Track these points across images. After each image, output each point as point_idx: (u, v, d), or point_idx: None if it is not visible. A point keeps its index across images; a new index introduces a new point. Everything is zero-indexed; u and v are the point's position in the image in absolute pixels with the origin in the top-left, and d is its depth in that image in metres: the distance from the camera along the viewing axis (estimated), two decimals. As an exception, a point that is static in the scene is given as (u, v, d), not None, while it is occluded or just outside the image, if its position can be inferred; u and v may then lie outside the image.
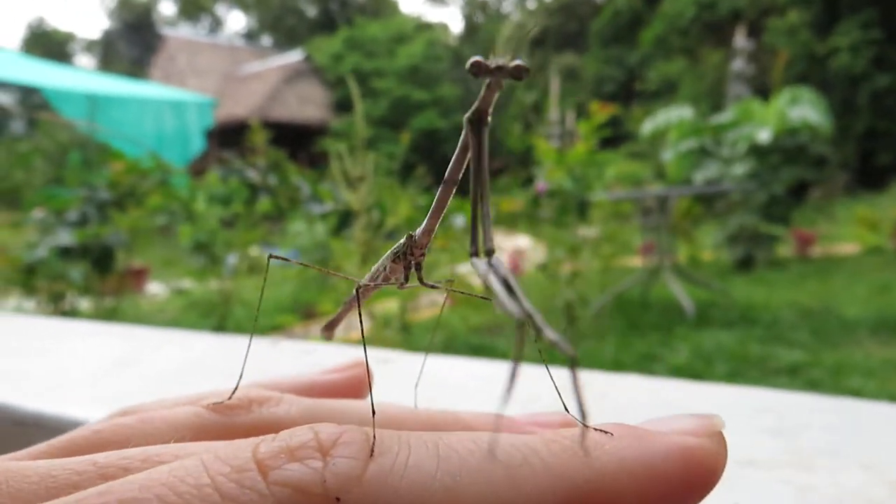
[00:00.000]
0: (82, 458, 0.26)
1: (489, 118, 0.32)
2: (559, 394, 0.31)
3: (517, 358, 0.23)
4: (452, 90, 22.30)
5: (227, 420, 0.31)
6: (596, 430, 0.26)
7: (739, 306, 4.72)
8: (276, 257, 0.39)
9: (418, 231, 0.36)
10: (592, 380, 0.66)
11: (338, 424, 0.26)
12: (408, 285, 0.38)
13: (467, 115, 0.32)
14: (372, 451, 0.24)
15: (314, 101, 20.70)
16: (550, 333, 0.24)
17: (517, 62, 0.30)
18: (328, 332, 0.42)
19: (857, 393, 2.82)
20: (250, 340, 0.45)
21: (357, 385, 0.39)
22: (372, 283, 0.39)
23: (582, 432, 0.25)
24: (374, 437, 0.25)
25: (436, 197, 0.33)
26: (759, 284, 5.75)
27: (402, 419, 0.33)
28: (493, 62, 0.30)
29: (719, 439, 0.26)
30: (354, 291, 0.38)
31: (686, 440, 0.25)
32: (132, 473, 0.24)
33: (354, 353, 1.01)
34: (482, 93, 0.31)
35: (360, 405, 0.34)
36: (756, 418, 0.52)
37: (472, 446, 0.24)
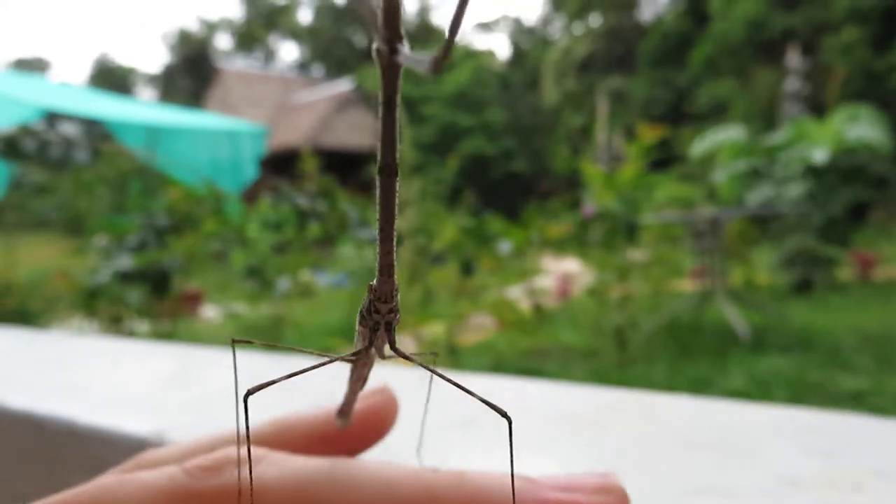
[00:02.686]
0: None
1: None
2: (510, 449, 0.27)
3: None
4: (499, 115, 22.41)
5: (196, 484, 0.30)
6: None
7: (797, 331, 4.56)
8: (239, 340, 0.33)
9: (376, 279, 0.27)
10: (637, 399, 0.66)
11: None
12: (380, 355, 0.30)
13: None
14: None
15: (364, 129, 21.07)
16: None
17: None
18: (343, 418, 0.36)
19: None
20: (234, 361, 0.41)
21: (379, 416, 0.35)
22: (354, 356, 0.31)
23: None
24: None
25: (377, 203, 0.25)
26: (818, 308, 5.56)
27: (399, 483, 0.29)
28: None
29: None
30: (350, 370, 0.32)
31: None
32: None
33: (402, 373, 1.02)
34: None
35: (353, 469, 0.30)
36: (800, 438, 0.50)
37: None
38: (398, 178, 0.25)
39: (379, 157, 0.24)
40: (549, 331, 4.70)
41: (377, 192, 0.25)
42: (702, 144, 7.58)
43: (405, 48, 0.23)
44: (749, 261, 6.56)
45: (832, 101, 9.65)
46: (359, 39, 34.76)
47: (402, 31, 0.23)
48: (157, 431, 0.58)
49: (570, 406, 0.67)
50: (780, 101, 10.93)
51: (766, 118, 15.65)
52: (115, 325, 4.29)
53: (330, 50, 34.09)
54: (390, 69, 0.24)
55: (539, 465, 0.51)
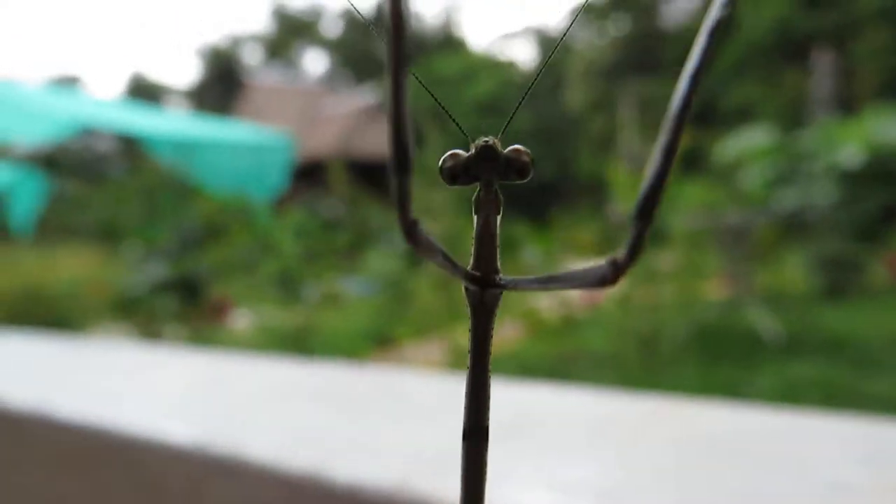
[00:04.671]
0: None
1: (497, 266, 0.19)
2: None
3: None
4: (524, 122, 22.40)
5: None
6: None
7: (829, 336, 4.47)
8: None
9: None
10: (675, 406, 0.65)
11: None
12: None
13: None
14: None
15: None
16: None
17: (516, 147, 0.20)
18: None
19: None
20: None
21: None
22: None
23: None
24: None
25: (461, 475, 0.20)
26: (850, 313, 5.44)
27: None
28: (476, 153, 0.19)
29: None
30: None
31: None
32: None
33: (439, 383, 1.02)
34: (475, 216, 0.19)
35: None
36: (847, 446, 0.50)
37: None
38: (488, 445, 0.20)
39: (465, 421, 0.19)
40: (576, 337, 4.67)
41: (462, 460, 0.20)
42: (730, 147, 7.49)
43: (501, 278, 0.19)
44: (779, 265, 6.47)
45: (862, 103, 9.49)
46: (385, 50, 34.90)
47: (498, 260, 0.19)
48: (200, 439, 0.59)
49: (606, 412, 0.66)
50: (808, 102, 10.78)
51: (795, 119, 15.40)
52: (148, 332, 4.36)
53: (357, 60, 34.37)
54: (482, 307, 0.19)
55: (577, 473, 0.50)
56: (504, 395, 0.78)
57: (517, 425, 0.65)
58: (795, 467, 0.47)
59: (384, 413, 0.68)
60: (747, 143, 7.31)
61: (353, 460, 0.50)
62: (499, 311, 0.20)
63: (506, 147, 0.20)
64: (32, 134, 5.27)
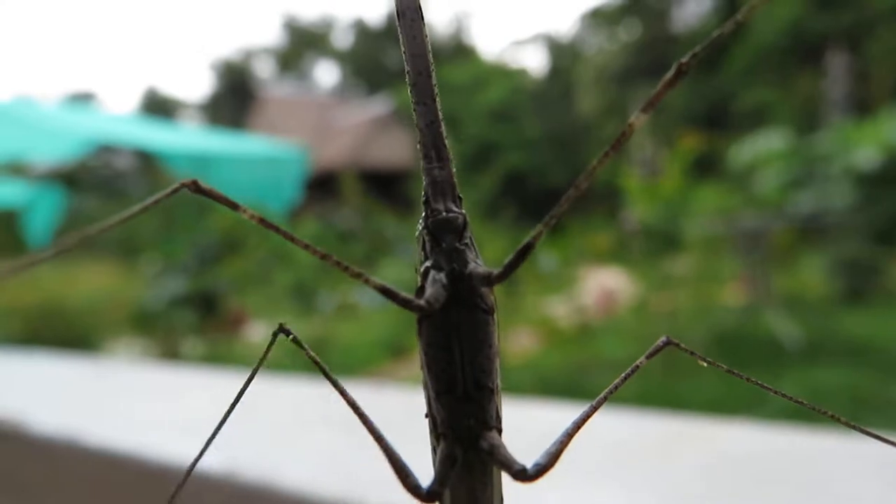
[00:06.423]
0: None
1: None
2: None
3: None
4: (535, 129, 22.39)
5: None
6: None
7: (851, 340, 4.42)
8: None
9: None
10: (698, 427, 0.65)
11: None
12: None
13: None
14: None
15: (405, 146, 21.30)
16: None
17: None
18: None
19: None
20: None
21: None
22: None
23: None
24: None
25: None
26: (871, 317, 5.37)
27: None
28: None
29: None
30: None
31: None
32: None
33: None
34: None
35: None
36: (880, 471, 0.49)
37: None
38: None
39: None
40: (592, 345, 4.64)
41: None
42: (744, 151, 7.44)
43: None
44: (796, 269, 6.41)
45: (877, 104, 9.40)
46: (396, 60, 35.13)
47: None
48: (231, 467, 0.59)
49: (630, 434, 0.66)
50: (823, 104, 10.70)
51: (809, 122, 15.27)
52: (167, 347, 4.39)
53: (370, 71, 34.53)
54: None
55: (604, 499, 0.50)
56: (522, 416, 0.78)
57: (538, 449, 0.65)
58: (829, 494, 0.47)
59: (414, 437, 0.68)
60: (762, 146, 7.26)
61: (385, 488, 0.50)
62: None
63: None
64: (51, 151, 5.34)
